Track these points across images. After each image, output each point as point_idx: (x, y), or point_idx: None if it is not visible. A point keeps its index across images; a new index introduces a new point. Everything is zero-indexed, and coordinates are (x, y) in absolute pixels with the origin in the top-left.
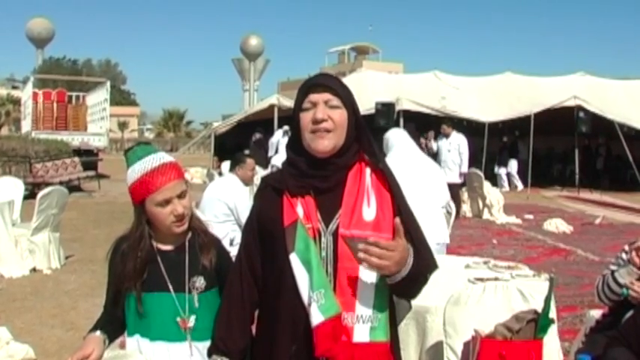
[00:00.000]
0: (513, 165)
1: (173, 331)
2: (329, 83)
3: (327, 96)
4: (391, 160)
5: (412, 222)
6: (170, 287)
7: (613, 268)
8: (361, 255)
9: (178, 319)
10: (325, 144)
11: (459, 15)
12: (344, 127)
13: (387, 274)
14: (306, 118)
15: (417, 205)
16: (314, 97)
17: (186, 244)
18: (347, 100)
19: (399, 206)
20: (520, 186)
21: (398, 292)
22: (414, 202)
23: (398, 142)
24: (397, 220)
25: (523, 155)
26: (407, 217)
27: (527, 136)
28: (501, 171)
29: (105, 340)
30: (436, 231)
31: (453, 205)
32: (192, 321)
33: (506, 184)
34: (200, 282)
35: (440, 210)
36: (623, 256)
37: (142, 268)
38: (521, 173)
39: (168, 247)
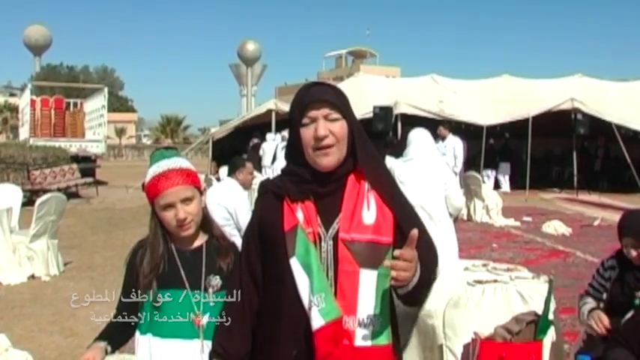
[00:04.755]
0: (505, 168)
1: (186, 329)
2: (326, 97)
3: (325, 110)
4: (401, 161)
5: (415, 224)
6: (186, 284)
7: (593, 283)
8: (393, 273)
9: (192, 316)
10: (330, 160)
11: (456, 18)
12: (345, 139)
13: (402, 285)
14: (307, 134)
15: (425, 215)
16: (313, 113)
17: (203, 246)
18: (345, 110)
19: (399, 209)
20: (507, 189)
21: (407, 301)
22: (422, 212)
23: (416, 143)
24: (415, 231)
25: (521, 158)
26: (409, 218)
27: (525, 138)
28: (487, 173)
29: (107, 349)
30: (443, 240)
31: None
32: (205, 319)
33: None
34: (216, 281)
35: (447, 218)
36: (598, 277)
37: (158, 264)
38: (515, 176)
39: (184, 248)
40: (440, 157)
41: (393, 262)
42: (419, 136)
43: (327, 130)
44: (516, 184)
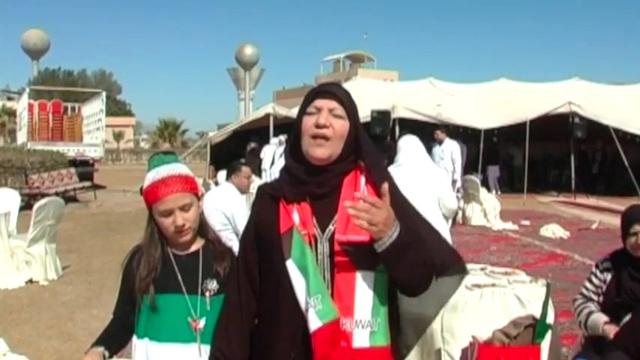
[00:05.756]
0: (493, 171)
1: (184, 333)
2: (336, 92)
3: (332, 104)
4: (392, 167)
5: (414, 222)
6: (183, 289)
7: (588, 285)
8: (351, 211)
9: (190, 319)
10: (322, 151)
11: (453, 22)
12: (342, 138)
13: (376, 236)
14: (308, 122)
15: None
16: (320, 102)
17: (200, 250)
18: (351, 111)
19: (396, 208)
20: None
21: (396, 275)
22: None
23: (405, 149)
24: (385, 185)
25: (518, 161)
26: (406, 217)
27: (522, 142)
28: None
29: (104, 354)
30: None
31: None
32: (202, 323)
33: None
34: (213, 285)
35: (442, 220)
36: (594, 269)
37: (155, 268)
38: (502, 179)
39: (181, 253)
40: (430, 161)
41: (352, 204)
42: (408, 142)
43: (328, 121)
44: (508, 187)
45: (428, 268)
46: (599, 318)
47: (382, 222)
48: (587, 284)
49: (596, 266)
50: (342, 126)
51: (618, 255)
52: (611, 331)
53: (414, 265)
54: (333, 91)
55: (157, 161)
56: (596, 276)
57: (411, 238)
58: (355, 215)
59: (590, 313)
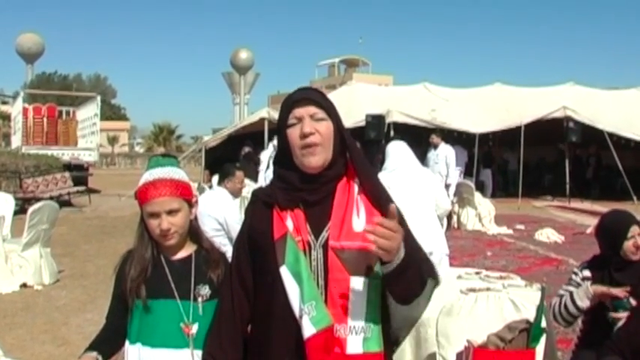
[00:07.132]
0: (486, 174)
1: (176, 338)
2: (312, 97)
3: (312, 109)
4: (385, 173)
5: (405, 229)
6: (175, 294)
7: (568, 288)
8: (371, 237)
9: (182, 325)
10: (316, 159)
11: (448, 27)
12: (331, 139)
13: (387, 259)
14: (293, 134)
15: (414, 219)
16: (299, 111)
17: (192, 255)
18: (331, 111)
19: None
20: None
21: (396, 290)
22: (410, 215)
23: (394, 154)
24: (393, 205)
25: (513, 166)
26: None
27: (517, 146)
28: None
29: (98, 359)
30: (437, 242)
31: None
32: (195, 328)
33: None
34: (205, 290)
35: (437, 221)
36: (573, 276)
37: (145, 268)
38: (495, 183)
39: (172, 257)
40: (420, 165)
41: (372, 227)
42: (396, 148)
43: (312, 128)
44: (503, 192)
45: (424, 282)
46: (583, 286)
47: (397, 247)
48: (565, 286)
49: (575, 274)
50: (327, 128)
51: (597, 262)
52: (601, 289)
53: (414, 280)
54: (309, 96)
55: (153, 163)
56: (578, 284)
57: (413, 256)
58: (374, 241)
59: (572, 292)
